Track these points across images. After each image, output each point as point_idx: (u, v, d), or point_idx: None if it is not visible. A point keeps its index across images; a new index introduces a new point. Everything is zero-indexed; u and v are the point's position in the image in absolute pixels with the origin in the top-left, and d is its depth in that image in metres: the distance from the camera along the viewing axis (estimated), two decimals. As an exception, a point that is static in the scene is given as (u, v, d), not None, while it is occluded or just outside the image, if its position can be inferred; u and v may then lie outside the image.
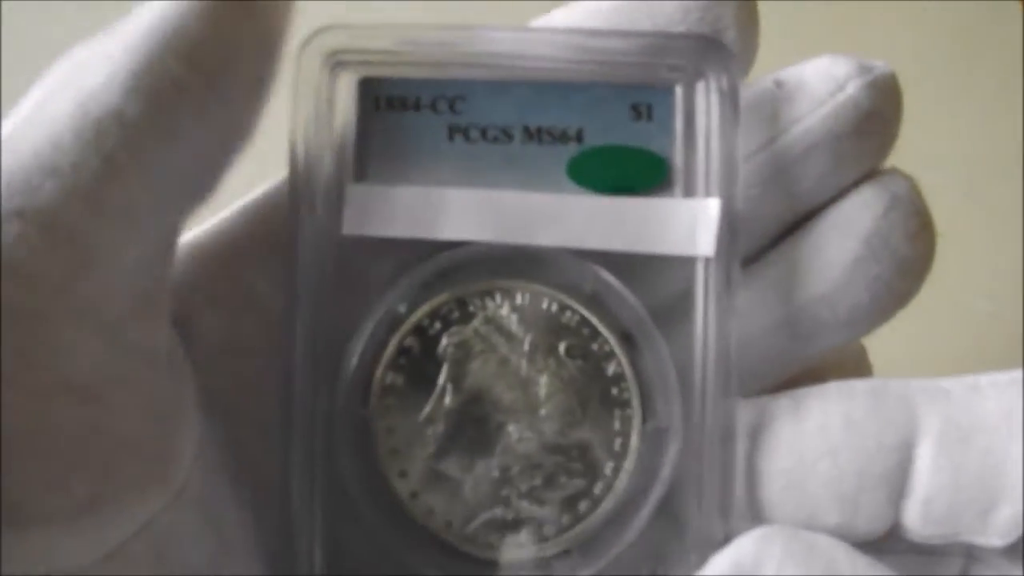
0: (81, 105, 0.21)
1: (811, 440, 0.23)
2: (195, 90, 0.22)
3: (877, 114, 0.24)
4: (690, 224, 0.24)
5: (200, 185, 0.23)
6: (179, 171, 0.22)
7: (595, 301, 0.24)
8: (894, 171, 0.25)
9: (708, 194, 0.24)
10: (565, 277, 0.24)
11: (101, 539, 0.22)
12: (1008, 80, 0.42)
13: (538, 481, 0.24)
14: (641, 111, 0.24)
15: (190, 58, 0.21)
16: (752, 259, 0.25)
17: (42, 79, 0.22)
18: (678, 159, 0.24)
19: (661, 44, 0.24)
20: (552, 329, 0.24)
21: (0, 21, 0.42)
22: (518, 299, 0.24)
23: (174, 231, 0.23)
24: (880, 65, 0.25)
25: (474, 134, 0.24)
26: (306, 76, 0.23)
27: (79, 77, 0.22)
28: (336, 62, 0.24)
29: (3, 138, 0.21)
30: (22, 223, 0.20)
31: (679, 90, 0.24)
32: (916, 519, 0.23)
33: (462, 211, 0.24)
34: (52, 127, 0.21)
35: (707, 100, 0.24)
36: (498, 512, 0.24)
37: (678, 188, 0.24)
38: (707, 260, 0.24)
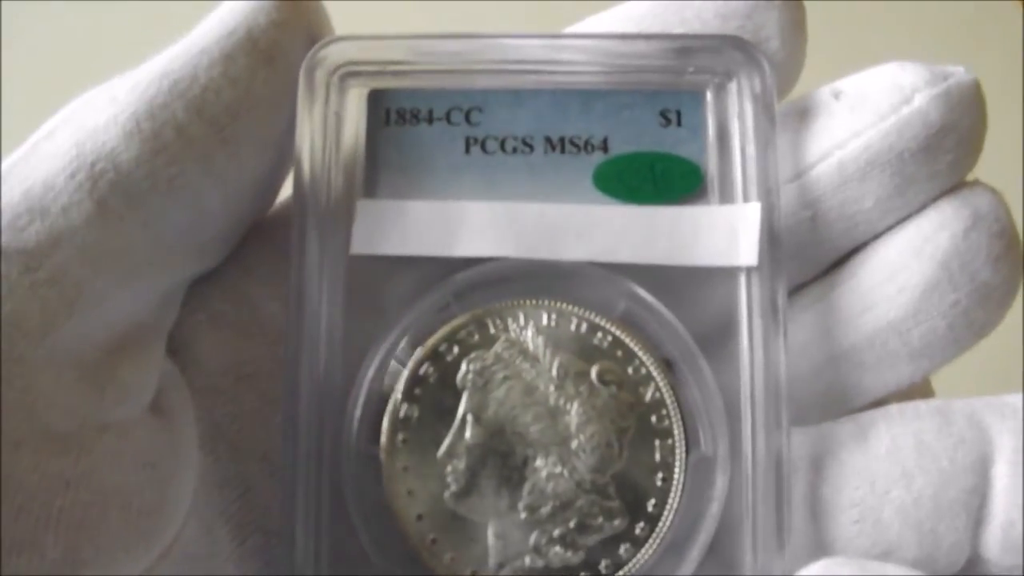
0: (78, 145, 0.20)
1: (882, 465, 0.21)
2: (201, 140, 0.20)
3: (950, 129, 0.22)
4: (729, 232, 0.22)
5: (207, 245, 0.22)
6: (181, 226, 0.21)
7: (629, 320, 0.22)
8: (977, 184, 0.23)
9: (746, 201, 0.22)
10: (595, 295, 0.22)
11: None
12: (1008, 80, 0.41)
13: (572, 524, 0.21)
14: (670, 117, 0.23)
15: (198, 106, 0.20)
16: (811, 283, 0.23)
17: (49, 118, 0.21)
18: (712, 166, 0.22)
19: (687, 47, 0.22)
20: (582, 352, 0.22)
21: (0, 21, 0.42)
22: (544, 320, 0.22)
23: (177, 285, 0.22)
24: (957, 72, 0.22)
25: (492, 146, 0.23)
26: (313, 89, 0.22)
27: (81, 116, 0.21)
28: (345, 74, 0.22)
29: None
30: (3, 262, 0.19)
31: (709, 94, 0.23)
32: (996, 546, 0.20)
33: (481, 225, 0.22)
34: (47, 166, 0.20)
35: (739, 103, 0.22)
36: (527, 561, 0.21)
37: (713, 196, 0.22)
38: (749, 272, 0.22)
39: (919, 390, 0.24)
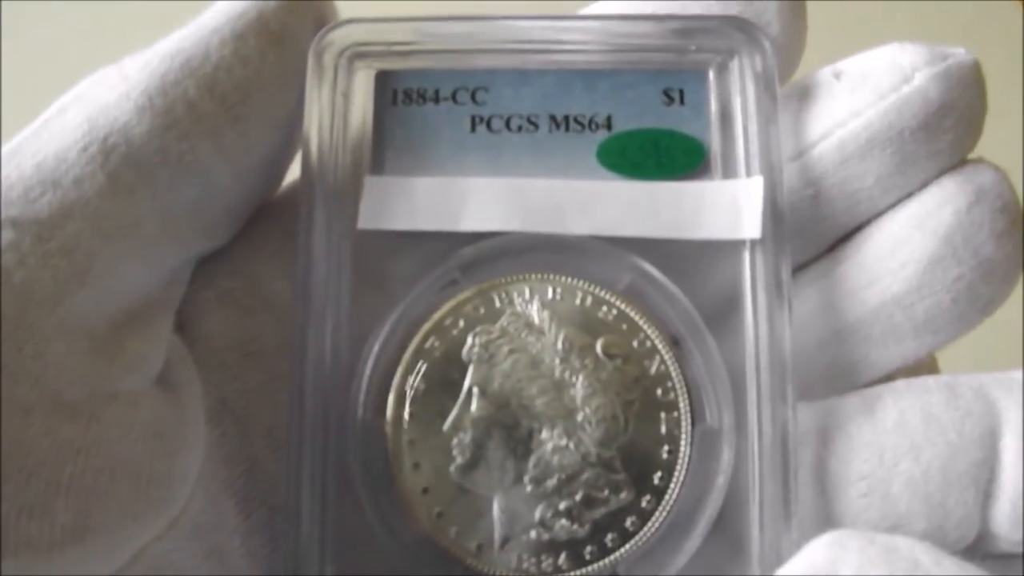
0: (90, 119, 0.20)
1: (890, 438, 0.21)
2: (211, 117, 0.21)
3: (950, 107, 0.22)
4: (733, 206, 0.22)
5: (215, 222, 0.22)
6: (190, 201, 0.21)
7: (633, 294, 0.22)
8: (980, 161, 0.23)
9: (749, 176, 0.22)
10: (599, 269, 0.22)
11: (86, 572, 0.19)
12: (1008, 80, 0.41)
13: (578, 497, 0.21)
14: (673, 95, 0.23)
15: (209, 84, 0.21)
16: (814, 260, 0.23)
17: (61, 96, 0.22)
18: (715, 143, 0.23)
19: (689, 27, 0.23)
20: (587, 325, 0.22)
21: (0, 21, 0.42)
22: (549, 293, 0.22)
23: (185, 262, 0.22)
24: (957, 53, 0.22)
25: (497, 124, 0.23)
26: (321, 71, 0.22)
27: (92, 92, 0.21)
28: (353, 56, 0.23)
29: (10, 149, 0.20)
30: (15, 232, 0.19)
31: (712, 73, 0.23)
32: (1006, 521, 0.20)
33: (486, 200, 0.22)
34: (59, 140, 0.20)
35: (741, 81, 0.23)
36: (533, 534, 0.21)
37: (716, 172, 0.23)
38: (753, 245, 0.22)
39: (926, 369, 0.24)
